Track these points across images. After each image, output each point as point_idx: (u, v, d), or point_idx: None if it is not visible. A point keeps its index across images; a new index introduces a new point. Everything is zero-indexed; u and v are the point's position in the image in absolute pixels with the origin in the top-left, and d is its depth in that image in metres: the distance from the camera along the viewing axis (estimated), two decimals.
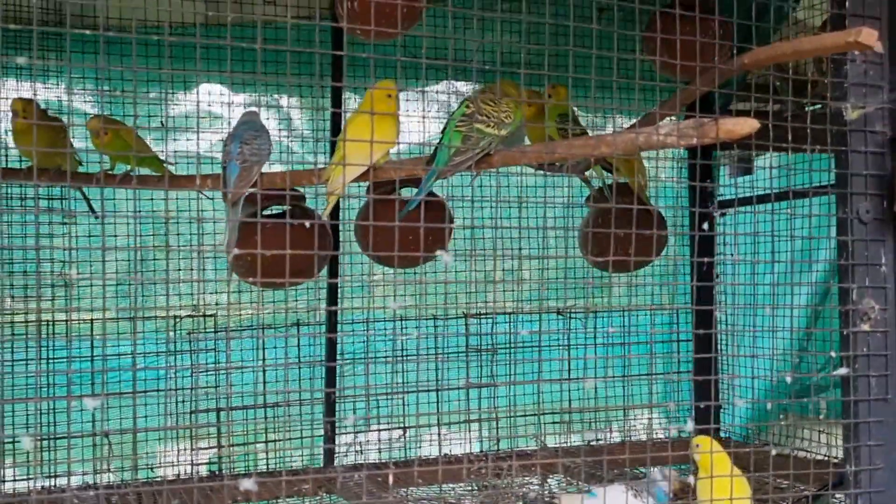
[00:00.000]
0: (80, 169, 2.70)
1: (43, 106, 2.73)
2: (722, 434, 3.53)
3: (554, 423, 3.45)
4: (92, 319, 2.86)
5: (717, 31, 2.62)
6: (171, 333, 2.96)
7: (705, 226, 3.05)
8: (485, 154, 2.16)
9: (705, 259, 2.84)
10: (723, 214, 3.55)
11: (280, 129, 3.30)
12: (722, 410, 3.54)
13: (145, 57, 2.83)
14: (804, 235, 2.45)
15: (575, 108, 2.84)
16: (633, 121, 3.71)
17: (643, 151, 2.87)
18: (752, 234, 2.41)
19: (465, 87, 3.55)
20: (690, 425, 2.79)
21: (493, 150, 2.16)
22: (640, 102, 3.74)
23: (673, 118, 2.60)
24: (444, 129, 2.28)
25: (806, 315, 3.85)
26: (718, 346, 3.50)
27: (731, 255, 3.40)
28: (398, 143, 2.25)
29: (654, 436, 3.61)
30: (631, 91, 3.48)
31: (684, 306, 3.61)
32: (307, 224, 2.23)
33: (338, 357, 3.12)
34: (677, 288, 3.68)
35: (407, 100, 3.21)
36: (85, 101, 2.94)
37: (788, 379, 2.96)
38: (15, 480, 2.82)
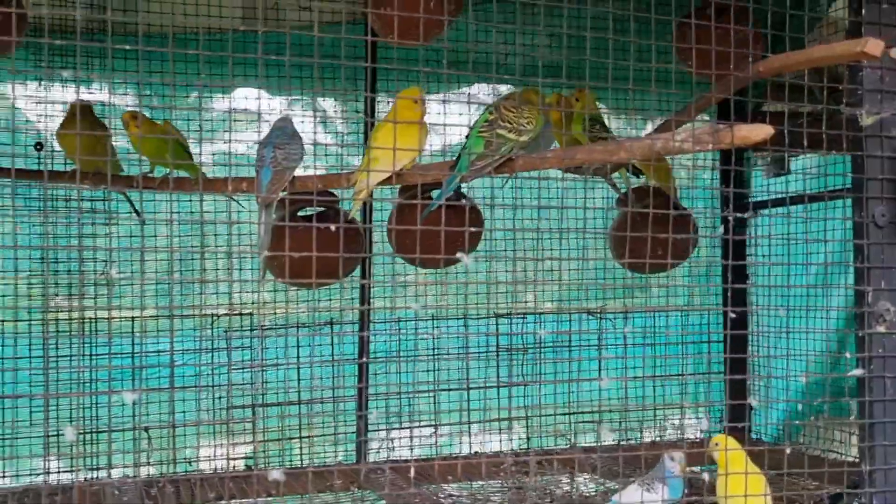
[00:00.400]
0: (121, 173, 2.80)
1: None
2: (753, 435, 3.54)
3: (584, 422, 3.48)
4: (132, 317, 2.96)
5: (746, 37, 2.66)
6: (208, 331, 3.06)
7: (732, 219, 3.06)
8: (506, 159, 2.22)
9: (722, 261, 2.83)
10: (753, 216, 3.54)
11: (315, 132, 3.37)
12: (754, 412, 3.54)
13: (184, 62, 2.92)
14: (833, 239, 2.46)
15: (604, 112, 2.86)
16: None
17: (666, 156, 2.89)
18: (766, 236, 2.41)
19: (505, 90, 3.59)
20: (705, 424, 2.80)
21: (514, 155, 2.22)
22: (675, 104, 3.79)
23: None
24: (468, 135, 2.35)
25: (844, 317, 3.83)
26: (750, 348, 3.50)
27: (763, 256, 3.40)
28: (422, 150, 2.31)
29: (685, 436, 3.62)
30: (666, 93, 3.51)
31: (715, 307, 3.62)
32: (332, 227, 2.28)
33: (370, 356, 3.18)
34: (709, 289, 3.68)
35: (444, 101, 3.26)
36: (127, 106, 3.04)
37: (803, 379, 2.95)
38: (59, 472, 2.93)
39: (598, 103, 2.78)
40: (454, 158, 2.34)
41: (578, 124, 2.70)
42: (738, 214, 3.14)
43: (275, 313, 3.17)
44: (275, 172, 2.26)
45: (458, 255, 2.04)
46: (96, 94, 3.04)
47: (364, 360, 3.06)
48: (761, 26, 3.00)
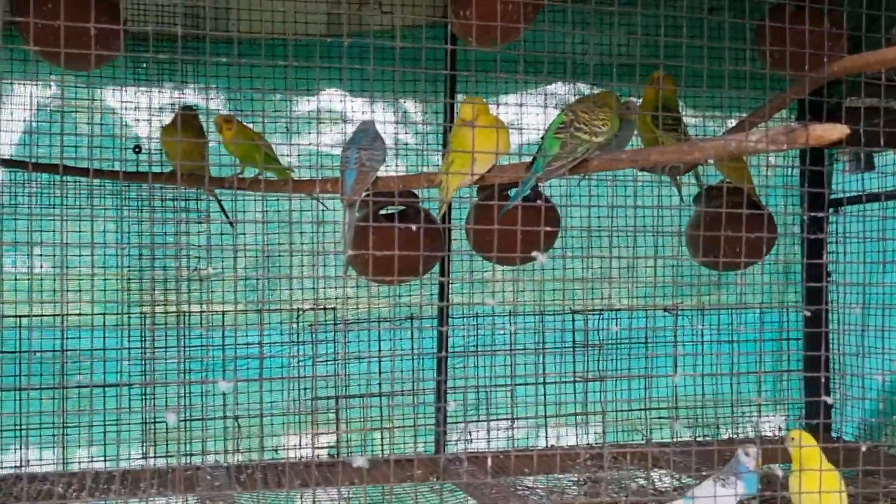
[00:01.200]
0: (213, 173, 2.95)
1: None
2: (833, 434, 3.52)
3: (660, 418, 3.51)
4: (223, 311, 3.12)
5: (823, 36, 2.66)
6: (295, 325, 3.19)
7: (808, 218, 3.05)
8: (581, 160, 2.28)
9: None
10: (836, 213, 3.52)
11: (396, 132, 3.47)
12: (832, 409, 3.52)
13: (272, 67, 3.05)
14: None
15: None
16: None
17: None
18: (850, 235, 2.41)
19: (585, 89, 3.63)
20: (781, 421, 2.80)
21: (589, 156, 2.28)
22: (748, 100, 3.78)
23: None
24: (543, 136, 2.41)
25: None
26: (830, 345, 3.47)
27: (848, 254, 3.37)
28: (500, 155, 2.34)
29: (762, 433, 3.62)
30: (741, 88, 3.51)
31: (794, 305, 3.62)
32: (413, 228, 2.38)
33: (448, 350, 3.27)
34: (788, 287, 3.67)
35: (520, 105, 3.33)
36: (219, 107, 3.19)
37: (879, 378, 2.92)
38: (156, 457, 3.10)
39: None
40: (530, 160, 2.40)
41: (650, 108, 2.71)
42: (816, 214, 3.13)
43: (357, 308, 3.29)
44: (359, 174, 2.36)
45: (534, 253, 2.11)
46: (189, 97, 3.20)
47: (443, 353, 3.16)
48: (841, 25, 3.01)
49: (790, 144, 1.72)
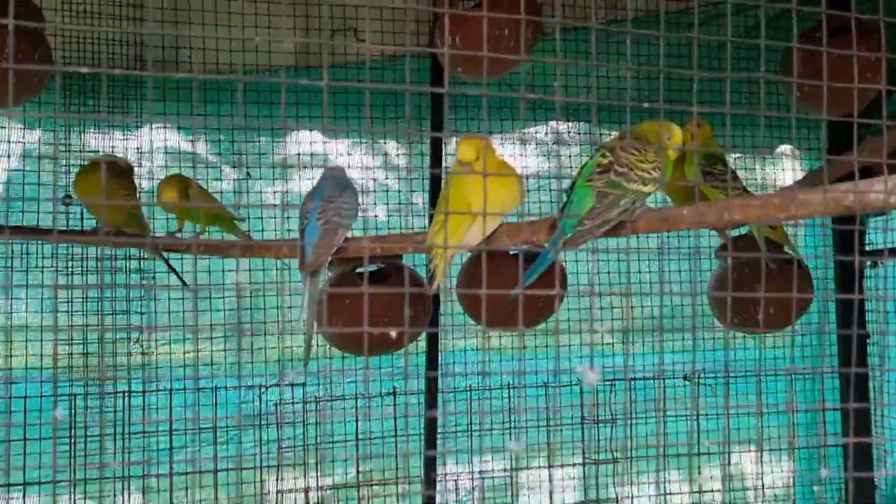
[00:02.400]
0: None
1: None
2: None
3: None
4: (171, 389, 2.63)
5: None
6: (256, 404, 2.71)
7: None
8: (624, 217, 1.70)
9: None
10: (874, 266, 3.10)
11: (376, 172, 3.04)
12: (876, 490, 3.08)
13: (229, 103, 2.63)
14: None
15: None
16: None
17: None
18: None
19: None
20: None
21: (636, 213, 1.70)
22: (768, 139, 3.40)
23: None
24: (573, 184, 1.79)
25: None
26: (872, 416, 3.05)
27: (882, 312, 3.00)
28: (507, 213, 1.81)
29: None
30: (755, 128, 3.13)
31: (830, 370, 3.19)
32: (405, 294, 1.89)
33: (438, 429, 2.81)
34: (824, 349, 3.24)
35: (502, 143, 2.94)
36: (167, 153, 2.73)
37: None
38: None
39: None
40: (556, 216, 1.80)
41: (692, 163, 2.20)
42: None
43: (330, 382, 2.80)
44: (323, 233, 1.86)
45: (580, 370, 1.55)
46: (132, 139, 2.74)
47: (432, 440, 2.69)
48: (879, 49, 2.63)
49: None
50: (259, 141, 2.79)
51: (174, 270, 2.47)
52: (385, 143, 3.12)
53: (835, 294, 3.10)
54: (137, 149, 2.65)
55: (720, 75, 1.25)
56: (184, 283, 2.48)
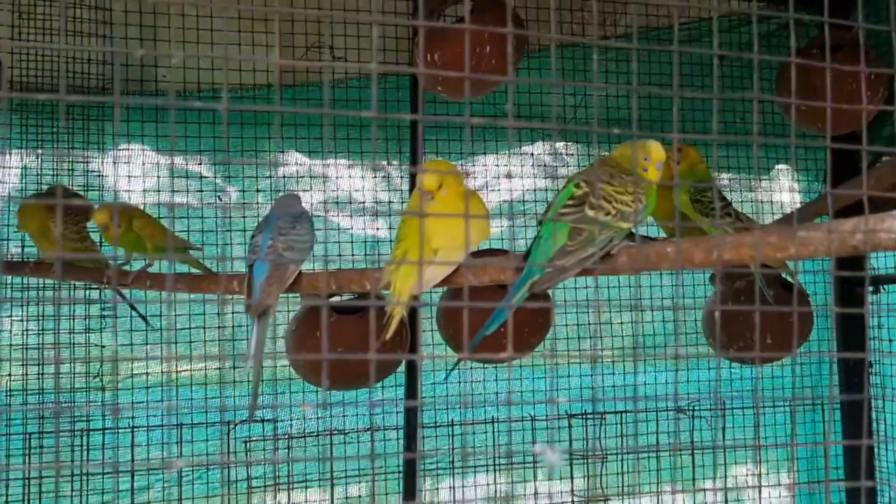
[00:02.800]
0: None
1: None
2: None
3: None
4: (133, 427, 2.47)
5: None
6: (225, 439, 2.55)
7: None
8: (601, 254, 1.48)
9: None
10: (876, 292, 2.97)
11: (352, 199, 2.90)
12: None
13: (197, 123, 2.50)
14: None
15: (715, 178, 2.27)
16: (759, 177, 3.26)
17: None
18: None
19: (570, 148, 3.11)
20: None
21: (614, 249, 1.48)
22: (763, 160, 3.28)
23: None
24: (542, 220, 1.57)
25: None
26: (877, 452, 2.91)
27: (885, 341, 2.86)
28: (471, 247, 1.67)
29: None
30: (748, 147, 3.01)
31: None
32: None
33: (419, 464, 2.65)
34: (822, 379, 3.10)
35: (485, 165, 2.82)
36: (131, 175, 2.59)
37: None
38: None
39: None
40: (525, 252, 1.59)
41: (684, 193, 2.00)
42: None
43: (302, 418, 2.63)
44: (273, 268, 1.69)
45: (538, 449, 1.33)
46: (94, 162, 2.60)
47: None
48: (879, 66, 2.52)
49: None
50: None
51: (133, 307, 2.34)
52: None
53: (834, 320, 2.97)
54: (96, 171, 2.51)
55: (708, 95, 1.12)
56: (145, 321, 2.35)
